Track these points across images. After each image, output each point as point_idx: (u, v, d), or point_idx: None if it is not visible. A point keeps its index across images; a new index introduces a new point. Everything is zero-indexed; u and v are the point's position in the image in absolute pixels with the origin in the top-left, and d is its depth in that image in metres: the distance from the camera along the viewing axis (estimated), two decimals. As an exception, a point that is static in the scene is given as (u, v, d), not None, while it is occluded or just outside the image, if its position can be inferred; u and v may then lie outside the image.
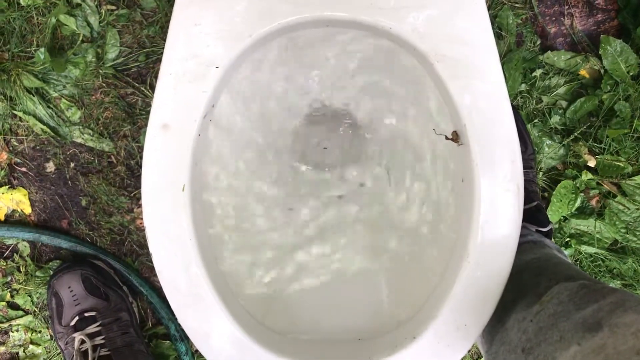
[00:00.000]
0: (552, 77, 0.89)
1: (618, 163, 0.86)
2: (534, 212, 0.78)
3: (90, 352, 0.80)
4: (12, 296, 0.91)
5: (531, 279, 0.58)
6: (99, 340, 0.82)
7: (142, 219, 0.89)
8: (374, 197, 0.67)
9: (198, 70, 0.54)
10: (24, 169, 0.89)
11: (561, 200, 0.89)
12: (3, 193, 0.88)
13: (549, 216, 0.88)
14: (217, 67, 0.54)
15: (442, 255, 0.61)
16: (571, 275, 0.55)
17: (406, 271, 0.64)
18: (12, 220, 0.90)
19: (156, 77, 0.55)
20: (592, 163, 0.89)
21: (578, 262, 0.93)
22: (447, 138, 0.59)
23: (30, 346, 0.92)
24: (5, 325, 0.91)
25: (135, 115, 0.88)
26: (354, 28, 0.57)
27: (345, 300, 0.64)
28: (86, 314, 0.83)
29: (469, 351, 0.97)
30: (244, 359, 0.56)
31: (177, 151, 0.54)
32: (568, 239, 0.91)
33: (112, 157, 0.89)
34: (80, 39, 0.85)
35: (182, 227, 0.54)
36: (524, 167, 0.80)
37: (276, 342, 0.58)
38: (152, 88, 0.86)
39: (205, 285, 0.54)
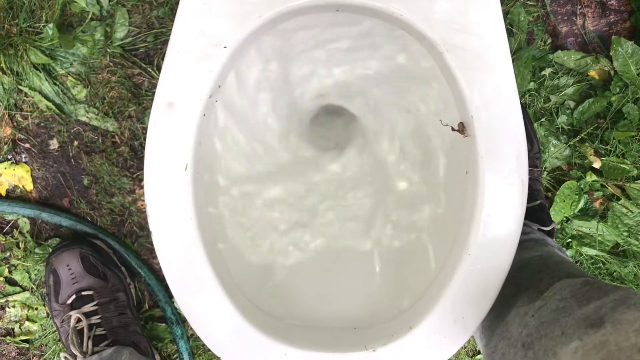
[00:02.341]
0: (561, 76, 0.88)
1: (623, 166, 0.86)
2: (536, 211, 0.77)
3: (85, 330, 0.80)
4: (10, 272, 0.91)
5: (533, 275, 0.58)
6: (95, 319, 0.82)
7: (143, 200, 0.89)
8: (375, 182, 0.66)
9: (206, 49, 0.53)
10: (27, 145, 0.88)
11: (564, 201, 0.88)
12: (5, 168, 0.88)
13: (552, 216, 0.87)
14: (224, 47, 0.53)
15: (442, 247, 0.60)
16: (573, 273, 0.55)
17: (405, 261, 0.64)
18: (13, 196, 0.90)
19: (164, 59, 0.54)
20: (597, 165, 0.88)
21: (579, 264, 0.92)
22: (453, 129, 0.58)
23: (26, 323, 0.93)
24: (2, 300, 0.91)
25: (141, 96, 0.87)
26: (363, 14, 0.56)
27: (342, 288, 0.64)
28: (83, 293, 0.83)
29: (464, 347, 0.97)
30: (240, 342, 0.55)
31: (181, 130, 0.53)
32: (569, 240, 0.91)
33: (116, 137, 0.88)
34: (90, 16, 0.84)
35: (183, 206, 0.53)
36: (529, 165, 0.80)
37: (273, 327, 0.58)
38: (159, 69, 0.85)
39: (204, 265, 0.54)
